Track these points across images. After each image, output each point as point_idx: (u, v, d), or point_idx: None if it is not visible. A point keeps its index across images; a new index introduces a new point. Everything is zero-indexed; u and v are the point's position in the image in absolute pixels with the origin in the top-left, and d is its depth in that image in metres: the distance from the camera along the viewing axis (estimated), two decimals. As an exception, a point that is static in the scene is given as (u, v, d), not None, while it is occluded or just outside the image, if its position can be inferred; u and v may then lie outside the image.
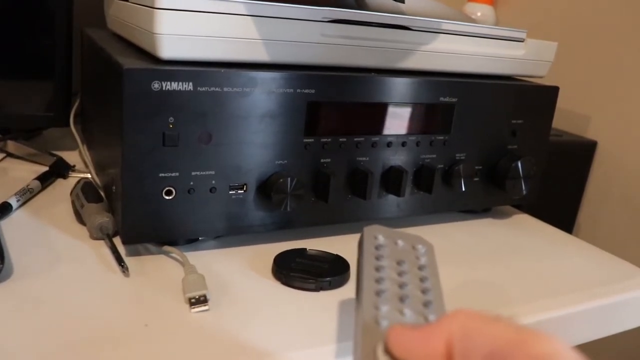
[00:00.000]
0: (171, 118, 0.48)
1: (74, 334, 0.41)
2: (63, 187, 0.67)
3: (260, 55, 0.52)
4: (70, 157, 0.75)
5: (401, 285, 0.37)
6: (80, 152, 0.78)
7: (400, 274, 0.38)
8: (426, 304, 0.35)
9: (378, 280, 0.37)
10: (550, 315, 0.51)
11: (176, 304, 0.45)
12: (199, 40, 0.49)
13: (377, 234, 0.42)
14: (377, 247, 0.40)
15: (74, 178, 0.70)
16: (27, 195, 0.62)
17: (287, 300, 0.48)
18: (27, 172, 0.70)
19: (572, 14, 1.06)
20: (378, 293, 0.35)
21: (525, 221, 0.72)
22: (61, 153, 0.75)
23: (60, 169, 0.70)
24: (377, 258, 0.39)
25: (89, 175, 0.70)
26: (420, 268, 0.39)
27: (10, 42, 0.71)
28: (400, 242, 0.41)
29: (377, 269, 0.38)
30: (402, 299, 0.35)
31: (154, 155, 0.49)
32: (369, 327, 0.32)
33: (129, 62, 0.48)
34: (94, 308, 0.44)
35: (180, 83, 0.48)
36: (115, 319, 0.43)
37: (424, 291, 0.37)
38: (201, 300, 0.45)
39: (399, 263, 0.39)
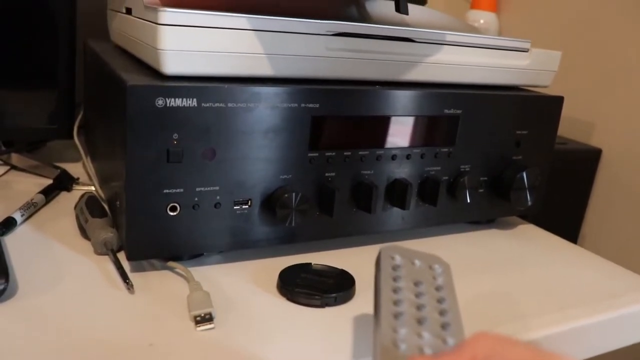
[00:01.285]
0: (175, 134, 0.48)
1: (78, 352, 0.40)
2: (67, 201, 0.67)
3: (264, 69, 0.52)
4: (74, 169, 0.75)
5: (419, 307, 0.37)
6: (83, 164, 0.78)
7: (417, 295, 0.38)
8: (444, 326, 0.35)
9: (396, 303, 0.37)
10: (556, 329, 0.51)
11: (181, 322, 0.45)
12: (203, 55, 0.49)
13: (394, 254, 0.42)
14: (395, 268, 0.40)
15: (77, 191, 0.70)
16: (31, 209, 0.62)
17: (293, 317, 0.48)
18: (30, 184, 0.70)
19: (575, 20, 1.05)
20: (396, 316, 0.35)
21: (530, 231, 0.72)
22: (65, 165, 0.75)
23: (64, 182, 0.70)
24: (395, 279, 0.39)
25: (92, 189, 0.70)
26: (438, 289, 0.39)
27: (13, 54, 0.71)
28: (417, 262, 0.41)
29: (395, 290, 0.38)
30: (420, 322, 0.35)
31: (158, 171, 0.49)
32: (388, 350, 0.33)
33: (132, 78, 0.48)
34: (99, 326, 0.44)
35: (184, 99, 0.48)
36: (120, 337, 0.42)
37: (442, 313, 0.37)
38: (207, 319, 0.45)
39: (417, 284, 0.39)
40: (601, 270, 0.63)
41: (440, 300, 0.38)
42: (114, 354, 0.41)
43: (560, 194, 0.98)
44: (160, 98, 0.47)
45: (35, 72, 0.73)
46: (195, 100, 0.48)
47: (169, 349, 0.42)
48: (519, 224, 0.74)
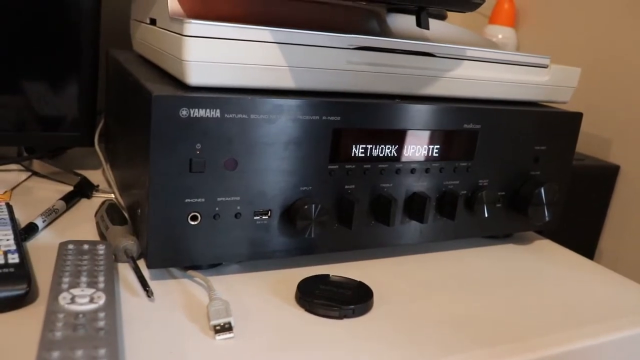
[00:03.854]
0: (198, 144, 0.49)
1: None
2: (87, 207, 0.68)
3: (286, 82, 0.53)
4: (94, 176, 0.76)
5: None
6: (103, 171, 0.78)
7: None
8: None
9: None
10: (573, 346, 0.50)
11: (201, 331, 0.46)
12: (227, 67, 0.50)
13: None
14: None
15: (97, 198, 0.71)
16: (52, 215, 0.62)
17: (311, 328, 0.48)
18: (51, 191, 0.71)
19: (593, 36, 1.05)
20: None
21: (546, 247, 0.72)
22: (85, 172, 0.76)
23: (84, 189, 0.70)
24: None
25: (112, 196, 0.71)
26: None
27: (37, 62, 0.72)
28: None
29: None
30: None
31: (181, 180, 0.49)
32: None
33: (157, 88, 0.49)
34: (119, 333, 0.44)
35: (208, 110, 0.48)
36: (140, 345, 0.43)
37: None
38: (226, 328, 0.45)
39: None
40: (618, 287, 0.63)
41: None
42: (135, 361, 0.41)
43: (578, 210, 0.97)
44: (184, 108, 0.48)
45: (58, 80, 0.74)
46: (218, 111, 0.49)
47: (189, 357, 0.42)
48: (536, 239, 0.74)
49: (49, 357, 0.35)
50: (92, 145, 0.77)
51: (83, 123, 0.76)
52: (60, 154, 0.84)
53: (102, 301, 0.43)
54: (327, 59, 0.54)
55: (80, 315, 0.40)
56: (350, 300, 0.50)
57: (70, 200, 0.67)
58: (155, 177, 0.48)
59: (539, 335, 0.51)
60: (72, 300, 0.42)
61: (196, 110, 0.48)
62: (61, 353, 0.36)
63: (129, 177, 0.61)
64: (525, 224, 0.70)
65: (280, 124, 0.52)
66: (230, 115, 0.49)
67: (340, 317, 0.49)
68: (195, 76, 0.49)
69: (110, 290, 0.45)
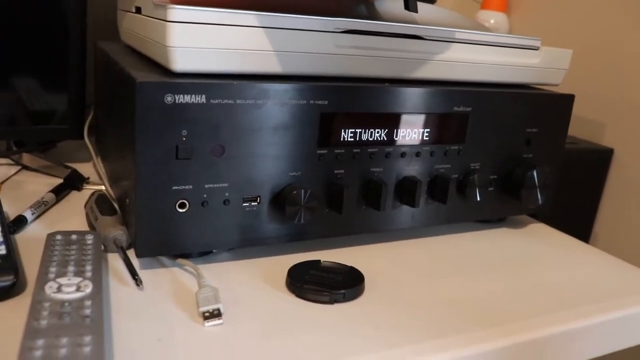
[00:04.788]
0: (184, 131, 0.48)
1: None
2: (77, 200, 0.67)
3: (272, 66, 0.52)
4: (85, 169, 0.75)
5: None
6: (94, 164, 0.78)
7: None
8: None
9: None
10: (567, 327, 0.50)
11: (190, 318, 0.45)
12: (212, 52, 0.49)
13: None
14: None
15: (88, 190, 0.70)
16: (41, 208, 0.62)
17: (302, 314, 0.47)
18: (41, 184, 0.71)
19: (586, 20, 1.05)
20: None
21: (541, 230, 0.72)
22: (75, 165, 0.76)
23: (74, 181, 0.70)
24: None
25: (102, 188, 0.70)
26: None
27: (24, 56, 0.71)
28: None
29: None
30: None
31: (167, 168, 0.49)
32: None
33: (141, 75, 0.48)
34: (107, 322, 0.44)
35: (193, 96, 0.48)
36: (128, 333, 0.42)
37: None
38: (215, 314, 0.45)
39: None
40: (613, 269, 0.62)
41: None
42: (121, 348, 0.41)
43: (572, 194, 0.97)
44: (169, 94, 0.47)
45: (45, 73, 0.73)
46: (204, 96, 0.48)
47: (177, 344, 0.42)
48: (530, 223, 0.74)
49: (33, 346, 0.35)
50: (82, 138, 0.76)
51: (72, 116, 0.75)
52: (50, 147, 0.83)
53: (88, 289, 0.42)
54: (314, 43, 0.53)
55: (66, 304, 0.40)
56: (341, 285, 0.50)
57: (60, 192, 0.67)
58: (142, 164, 0.48)
59: (531, 317, 0.50)
60: (59, 289, 0.42)
61: (181, 96, 0.48)
62: (46, 341, 0.36)
63: (118, 168, 0.60)
64: (519, 207, 0.69)
65: (267, 109, 0.51)
66: (216, 101, 0.49)
67: (331, 302, 0.49)
68: (180, 62, 0.49)
69: (98, 279, 0.44)
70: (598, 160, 0.99)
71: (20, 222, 0.58)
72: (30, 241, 0.55)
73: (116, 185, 0.63)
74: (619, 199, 1.00)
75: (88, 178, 0.72)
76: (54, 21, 0.72)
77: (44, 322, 0.38)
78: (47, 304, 0.40)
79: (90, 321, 0.38)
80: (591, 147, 0.99)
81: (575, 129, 1.06)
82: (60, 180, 0.70)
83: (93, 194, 0.62)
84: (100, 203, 0.59)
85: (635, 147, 0.97)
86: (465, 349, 0.45)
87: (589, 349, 0.53)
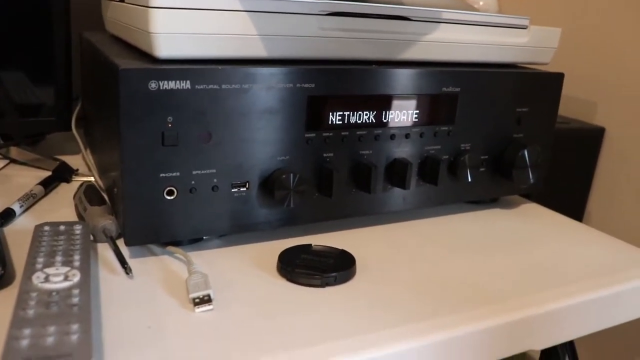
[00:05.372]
0: (170, 117, 0.48)
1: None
2: (66, 191, 0.67)
3: (258, 51, 0.52)
4: (73, 161, 0.75)
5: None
6: (83, 156, 0.77)
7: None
8: None
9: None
10: (560, 304, 0.50)
11: (180, 305, 0.45)
12: (196, 38, 0.49)
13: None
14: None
15: (77, 182, 0.70)
16: (30, 200, 0.61)
17: (293, 297, 0.47)
18: (30, 177, 0.70)
19: (575, 0, 1.04)
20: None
21: (534, 210, 0.71)
22: (64, 157, 0.75)
23: (63, 173, 0.70)
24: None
25: (91, 179, 0.70)
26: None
27: (9, 49, 0.70)
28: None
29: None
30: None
31: (154, 155, 0.48)
32: None
33: (125, 62, 0.48)
34: (96, 311, 0.43)
35: (178, 82, 0.47)
36: (118, 321, 0.42)
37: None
38: (205, 300, 0.44)
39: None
40: (606, 246, 0.62)
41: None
42: (112, 337, 0.40)
43: (565, 174, 0.97)
44: (153, 81, 0.47)
45: (32, 65, 0.72)
46: (188, 82, 0.48)
47: (167, 331, 0.41)
48: (522, 203, 0.73)
49: (20, 335, 0.35)
50: (70, 129, 0.76)
51: (59, 108, 0.75)
52: (39, 140, 0.83)
53: (76, 279, 0.42)
54: (299, 26, 0.53)
55: (54, 293, 0.40)
56: (332, 268, 0.50)
57: (49, 185, 0.66)
58: (128, 152, 0.47)
59: (525, 295, 0.50)
60: (46, 279, 0.41)
61: (165, 82, 0.47)
62: (33, 330, 0.35)
63: (107, 158, 0.60)
64: (511, 187, 0.69)
65: (254, 94, 0.51)
66: (201, 87, 0.48)
67: (322, 285, 0.49)
68: (163, 48, 0.48)
69: (86, 268, 0.44)
70: (590, 139, 0.99)
71: (8, 215, 0.57)
72: (19, 234, 0.55)
73: (105, 175, 0.63)
74: (611, 177, 1.00)
75: (77, 170, 0.72)
76: (38, 13, 0.71)
77: (31, 312, 0.37)
78: (34, 294, 0.39)
79: (78, 309, 0.38)
80: (582, 126, 0.99)
81: (566, 109, 1.06)
82: (49, 173, 0.69)
83: (82, 185, 0.61)
84: (89, 194, 0.59)
85: (626, 125, 0.97)
86: (459, 328, 0.45)
87: (583, 325, 0.53)
